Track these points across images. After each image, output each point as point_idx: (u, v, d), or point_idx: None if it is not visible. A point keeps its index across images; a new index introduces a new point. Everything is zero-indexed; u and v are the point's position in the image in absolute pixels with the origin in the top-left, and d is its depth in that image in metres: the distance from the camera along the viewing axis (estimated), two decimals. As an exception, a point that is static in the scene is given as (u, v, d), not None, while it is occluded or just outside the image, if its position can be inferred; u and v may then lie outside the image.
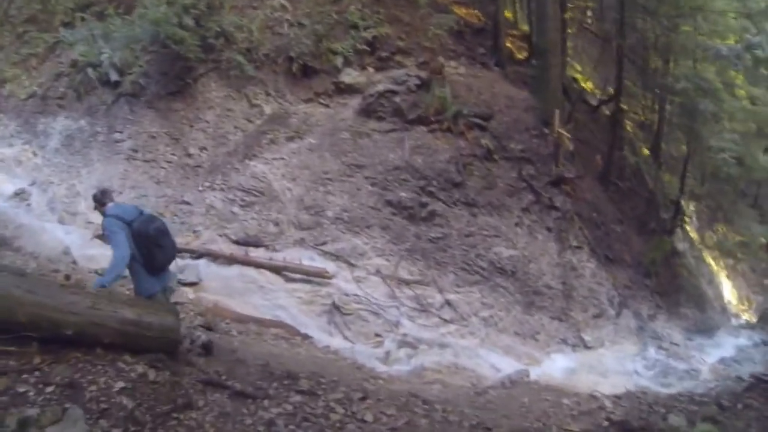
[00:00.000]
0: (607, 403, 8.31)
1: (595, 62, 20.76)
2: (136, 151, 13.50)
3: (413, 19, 14.84)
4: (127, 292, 9.17)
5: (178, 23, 13.52)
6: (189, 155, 13.04)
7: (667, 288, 15.45)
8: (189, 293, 9.90)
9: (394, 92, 12.47)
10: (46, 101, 15.22)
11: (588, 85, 19.62)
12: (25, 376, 4.34)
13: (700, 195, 20.16)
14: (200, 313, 8.84)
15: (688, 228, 19.65)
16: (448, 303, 10.68)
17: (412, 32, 14.38)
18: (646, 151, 18.92)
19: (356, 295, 10.19)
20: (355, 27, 13.96)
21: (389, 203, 11.39)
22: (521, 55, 17.14)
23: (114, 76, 14.48)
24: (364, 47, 13.54)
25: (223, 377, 5.35)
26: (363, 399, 5.60)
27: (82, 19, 16.14)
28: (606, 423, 7.31)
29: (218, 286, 10.24)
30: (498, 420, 6.45)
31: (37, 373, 4.40)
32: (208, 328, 8.13)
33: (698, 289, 17.55)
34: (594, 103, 18.24)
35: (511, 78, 15.11)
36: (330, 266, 10.55)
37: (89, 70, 14.68)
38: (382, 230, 11.12)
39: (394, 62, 13.53)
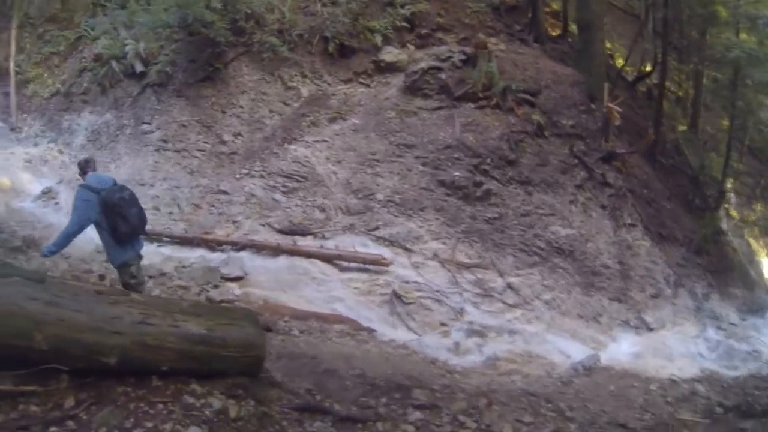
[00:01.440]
0: (701, 388, 7.69)
1: (624, 37, 19.89)
2: (165, 141, 12.73)
3: (448, -5, 14.03)
4: (180, 292, 8.52)
5: (206, 6, 12.78)
6: (223, 142, 12.22)
7: (717, 266, 14.66)
8: (235, 289, 9.14)
9: (438, 69, 11.57)
10: (70, 98, 14.70)
11: (619, 62, 18.75)
12: (54, 429, 3.15)
13: (740, 172, 19.25)
14: (255, 311, 8.19)
15: (727, 206, 18.84)
16: (510, 286, 9.79)
17: (451, 9, 13.54)
18: (682, 127, 18.07)
19: (416, 282, 9.28)
20: (391, 4, 13.14)
21: (442, 183, 10.47)
22: (555, 32, 16.28)
23: (139, 67, 13.87)
24: (404, 24, 12.71)
25: (318, 397, 4.44)
26: (489, 405, 4.75)
27: (104, 13, 15.51)
28: (720, 409, 6.58)
29: (266, 280, 9.39)
30: (615, 413, 5.67)
31: (70, 423, 3.21)
32: (267, 329, 7.33)
33: (744, 267, 16.73)
34: (630, 79, 17.36)
35: (550, 54, 14.27)
36: (385, 252, 9.67)
37: (113, 63, 14.15)
38: (436, 212, 10.19)
39: (434, 39, 12.72)
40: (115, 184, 5.88)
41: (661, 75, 15.06)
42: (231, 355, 3.99)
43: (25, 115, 15.08)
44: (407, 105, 11.36)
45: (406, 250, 9.76)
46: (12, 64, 15.35)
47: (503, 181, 10.73)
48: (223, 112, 12.59)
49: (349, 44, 12.46)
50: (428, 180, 10.49)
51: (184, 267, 9.56)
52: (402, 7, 13.14)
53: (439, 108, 11.34)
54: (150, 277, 8.73)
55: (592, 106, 12.63)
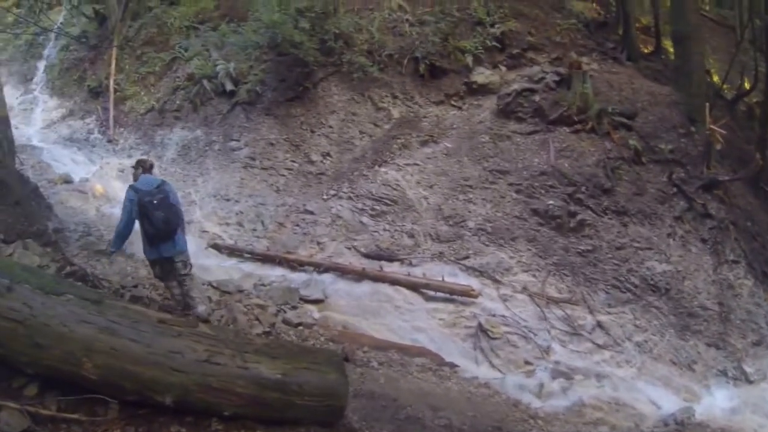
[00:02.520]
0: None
1: (717, 51, 18.74)
2: (253, 158, 12.79)
3: (538, 14, 13.53)
4: (256, 311, 8.24)
5: (294, 26, 12.80)
6: (311, 162, 12.16)
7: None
8: (314, 312, 8.92)
9: (532, 91, 11.09)
10: (164, 114, 15.08)
11: (715, 79, 17.68)
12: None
13: None
14: (332, 338, 7.96)
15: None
16: (600, 325, 9.11)
17: (541, 27, 13.05)
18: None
19: (503, 316, 8.80)
20: (480, 23, 12.77)
21: (535, 212, 9.98)
22: (647, 49, 15.48)
23: (229, 86, 14.08)
24: (494, 44, 12.32)
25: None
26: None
27: (197, 35, 16.02)
28: None
29: (347, 305, 9.11)
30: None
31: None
32: (345, 358, 7.03)
33: None
34: (729, 97, 16.29)
35: (644, 72, 13.54)
36: (473, 283, 9.22)
37: (204, 82, 14.44)
38: (528, 242, 9.71)
39: (525, 59, 12.25)
40: (158, 186, 6.24)
41: (765, 92, 14.02)
42: (307, 404, 3.58)
43: (122, 129, 15.57)
44: (501, 129, 10.94)
45: (495, 281, 9.31)
46: (112, 83, 16.07)
47: (598, 211, 10.13)
48: (312, 132, 12.53)
49: (439, 65, 12.16)
50: (521, 208, 10.04)
51: (263, 285, 9.46)
52: (492, 26, 12.77)
53: (534, 132, 10.87)
54: (227, 292, 8.73)
55: (692, 128, 11.81)
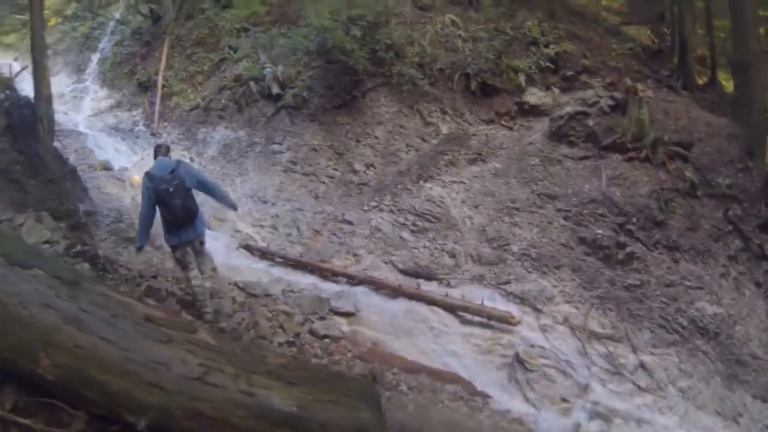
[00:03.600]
0: None
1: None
2: (294, 163, 12.53)
3: (593, 37, 13.07)
4: (281, 318, 7.71)
5: (346, 32, 12.55)
6: (354, 171, 11.82)
7: None
8: (343, 325, 8.32)
9: (585, 114, 10.59)
10: (208, 112, 14.99)
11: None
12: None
13: None
14: (360, 355, 7.24)
15: None
16: (643, 366, 8.38)
17: (596, 50, 12.58)
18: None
19: (542, 347, 8.14)
20: (534, 43, 12.35)
21: (583, 241, 9.41)
22: (701, 80, 14.88)
23: (276, 90, 13.90)
24: (548, 65, 11.87)
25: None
26: None
27: (246, 36, 16.03)
28: None
29: (379, 322, 8.50)
30: None
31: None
32: (373, 378, 6.55)
33: None
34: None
35: (700, 104, 12.97)
36: (513, 310, 8.62)
37: (251, 84, 14.34)
38: (573, 272, 9.13)
39: (579, 82, 11.77)
40: (172, 171, 5.96)
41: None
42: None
43: (166, 124, 15.57)
44: (551, 152, 10.44)
45: (536, 310, 8.72)
46: (160, 78, 16.23)
47: (649, 244, 9.52)
48: (357, 141, 12.22)
49: (491, 83, 11.75)
50: (568, 236, 9.48)
51: (292, 291, 8.93)
52: (546, 46, 12.33)
53: (585, 157, 10.33)
54: (253, 295, 8.34)
55: (750, 163, 11.22)
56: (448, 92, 12.03)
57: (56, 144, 13.23)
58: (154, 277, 7.53)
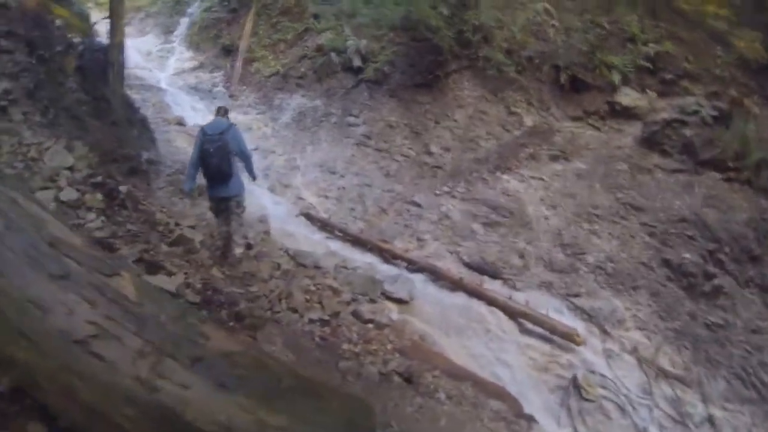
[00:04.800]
0: None
1: None
2: (368, 137, 12.13)
3: (697, 40, 12.01)
4: (326, 293, 7.27)
5: (432, 6, 11.97)
6: (429, 153, 11.30)
7: None
8: (392, 312, 7.64)
9: (683, 123, 9.68)
10: (287, 79, 14.85)
11: None
12: None
13: None
14: (401, 349, 6.61)
15: None
16: (711, 420, 7.25)
17: (700, 55, 11.54)
18: None
19: (603, 375, 7.22)
20: (632, 40, 11.42)
21: (666, 263, 8.42)
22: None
23: (357, 62, 13.55)
24: (646, 64, 10.96)
25: None
26: None
27: (330, 4, 15.69)
28: None
29: (432, 314, 7.84)
30: None
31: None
32: (407, 379, 5.90)
33: None
34: None
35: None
36: (579, 327, 7.78)
37: (332, 55, 14.08)
38: (650, 296, 8.18)
39: (679, 87, 10.79)
40: (221, 132, 6.57)
41: None
42: None
43: (244, 87, 15.59)
44: (642, 160, 9.57)
45: (603, 332, 7.83)
46: (243, 43, 16.35)
47: (740, 280, 8.34)
48: (436, 123, 11.67)
49: (582, 78, 10.92)
50: (651, 255, 8.55)
51: (345, 268, 8.48)
52: (645, 44, 11.37)
53: (679, 170, 9.40)
54: (301, 265, 8.02)
55: None
56: (535, 83, 11.29)
57: (136, 96, 13.50)
58: (192, 226, 7.34)
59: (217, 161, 6.50)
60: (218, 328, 2.03)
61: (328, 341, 6.13)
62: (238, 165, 7.05)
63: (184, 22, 19.84)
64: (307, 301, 6.82)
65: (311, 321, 6.35)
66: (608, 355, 7.42)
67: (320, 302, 6.89)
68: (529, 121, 10.97)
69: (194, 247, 6.47)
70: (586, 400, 6.91)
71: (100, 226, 4.43)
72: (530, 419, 6.41)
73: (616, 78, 10.73)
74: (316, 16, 15.78)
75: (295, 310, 6.42)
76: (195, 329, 2.17)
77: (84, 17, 11.25)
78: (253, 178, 7.47)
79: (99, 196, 4.75)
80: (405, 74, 12.64)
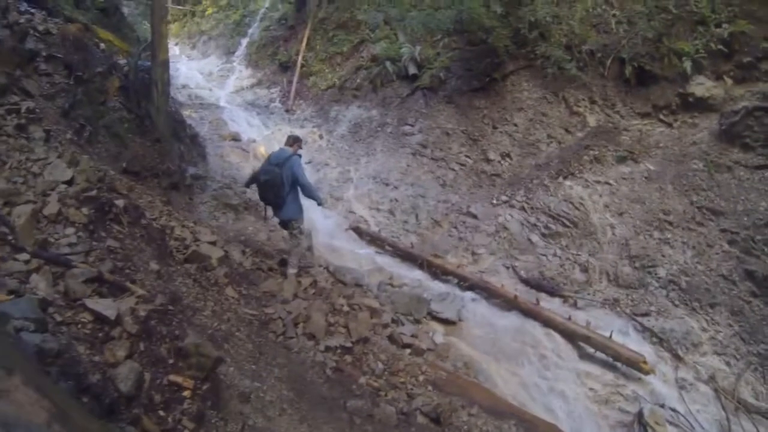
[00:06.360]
0: None
1: None
2: (424, 146, 11.74)
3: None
4: (362, 314, 6.59)
5: (485, 5, 11.42)
6: (487, 160, 10.77)
7: None
8: (437, 334, 7.05)
9: (767, 111, 8.57)
10: (343, 91, 14.78)
11: None
12: None
13: None
14: (434, 381, 5.80)
15: None
16: None
17: (779, 33, 10.33)
18: None
19: (674, 410, 6.19)
20: (703, 23, 10.33)
21: (750, 276, 7.25)
22: None
23: (412, 70, 13.26)
24: (720, 47, 9.91)
25: None
26: None
27: (378, 10, 15.56)
28: None
29: (481, 337, 7.09)
30: None
31: None
32: (435, 419, 5.06)
33: None
34: None
35: None
36: (647, 352, 6.75)
37: (387, 64, 13.87)
38: (731, 315, 7.06)
39: (759, 71, 9.64)
40: (279, 164, 7.00)
41: None
42: None
43: (301, 101, 15.64)
44: (720, 156, 8.53)
45: (676, 357, 6.82)
46: (300, 58, 16.45)
47: None
48: (494, 128, 11.11)
49: (649, 69, 9.95)
50: (732, 266, 7.42)
51: (391, 285, 7.97)
52: (717, 26, 10.25)
53: (764, 166, 8.25)
54: (340, 282, 7.60)
55: None
56: (598, 79, 10.41)
57: (194, 114, 13.77)
58: (213, 243, 6.80)
59: (267, 190, 7.09)
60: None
61: (343, 373, 5.48)
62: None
63: (245, 42, 20.34)
64: (330, 325, 6.18)
65: (328, 349, 5.74)
66: (680, 385, 6.50)
67: (346, 326, 6.24)
68: (592, 120, 10.17)
69: (210, 265, 6.03)
70: (653, 439, 6.03)
71: (73, 242, 4.21)
72: (582, 467, 5.55)
73: (687, 66, 9.70)
74: (371, 28, 15.60)
75: (311, 336, 5.85)
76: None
77: (134, 40, 11.62)
78: (319, 203, 7.44)
79: (85, 210, 4.57)
80: (461, 79, 12.15)
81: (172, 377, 3.51)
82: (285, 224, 7.49)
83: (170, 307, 4.29)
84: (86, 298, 3.63)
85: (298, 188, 7.14)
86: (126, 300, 3.87)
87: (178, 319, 4.24)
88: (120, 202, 5.19)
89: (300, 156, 7.31)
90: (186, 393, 3.46)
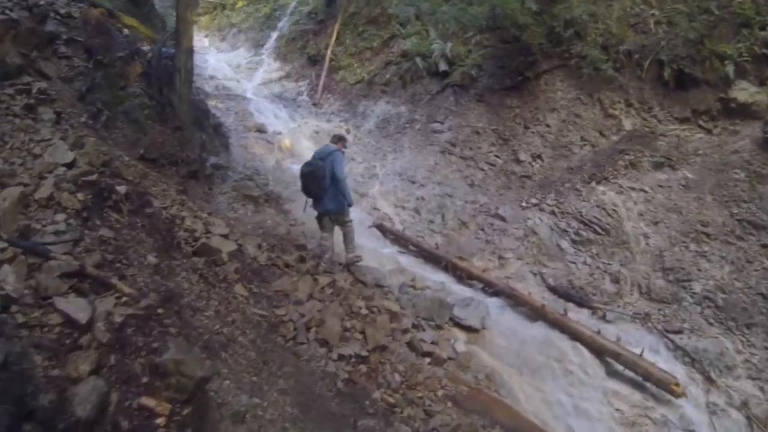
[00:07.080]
0: None
1: None
2: (453, 145, 11.53)
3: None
4: (381, 318, 6.35)
5: (521, 3, 11.09)
6: (517, 161, 10.52)
7: None
8: (458, 342, 6.74)
9: (813, 121, 8.26)
10: (371, 86, 14.58)
11: None
12: None
13: None
14: (453, 396, 5.58)
15: None
16: None
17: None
18: None
19: None
20: (746, 25, 9.88)
21: None
22: None
23: (443, 66, 13.03)
24: (765, 52, 9.48)
25: None
26: None
27: (416, 18, 15.08)
28: None
29: (505, 347, 6.81)
30: None
31: None
32: None
33: None
34: None
35: None
36: (679, 372, 6.39)
37: (417, 60, 13.62)
38: None
39: (802, 76, 9.29)
40: (322, 158, 7.45)
41: None
42: None
43: (329, 95, 15.52)
44: (763, 166, 8.07)
45: (708, 380, 6.41)
46: (329, 52, 16.29)
47: None
48: (525, 128, 10.83)
49: (689, 72, 9.55)
50: None
51: (413, 287, 7.66)
52: (763, 28, 9.80)
53: None
54: (360, 282, 7.34)
55: None
56: (636, 81, 10.02)
57: (220, 105, 13.76)
58: (225, 236, 6.65)
59: (308, 182, 7.47)
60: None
61: (356, 386, 5.13)
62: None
63: (274, 35, 20.25)
64: (346, 330, 5.85)
65: (341, 357, 5.39)
66: (712, 410, 6.11)
67: (363, 332, 5.92)
68: (628, 124, 9.82)
69: (220, 259, 5.72)
70: (681, 468, 5.64)
71: (61, 230, 3.78)
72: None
73: (730, 70, 9.29)
74: (402, 23, 15.29)
75: (324, 342, 5.51)
76: None
77: (161, 30, 11.55)
78: (348, 203, 7.67)
79: (80, 195, 4.19)
80: (493, 77, 11.89)
81: (144, 400, 3.02)
82: (322, 217, 7.73)
83: (158, 311, 3.83)
84: (58, 296, 3.22)
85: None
86: (105, 300, 3.43)
87: (160, 330, 3.72)
88: (122, 188, 4.83)
89: (343, 153, 7.77)
90: (160, 420, 2.98)
